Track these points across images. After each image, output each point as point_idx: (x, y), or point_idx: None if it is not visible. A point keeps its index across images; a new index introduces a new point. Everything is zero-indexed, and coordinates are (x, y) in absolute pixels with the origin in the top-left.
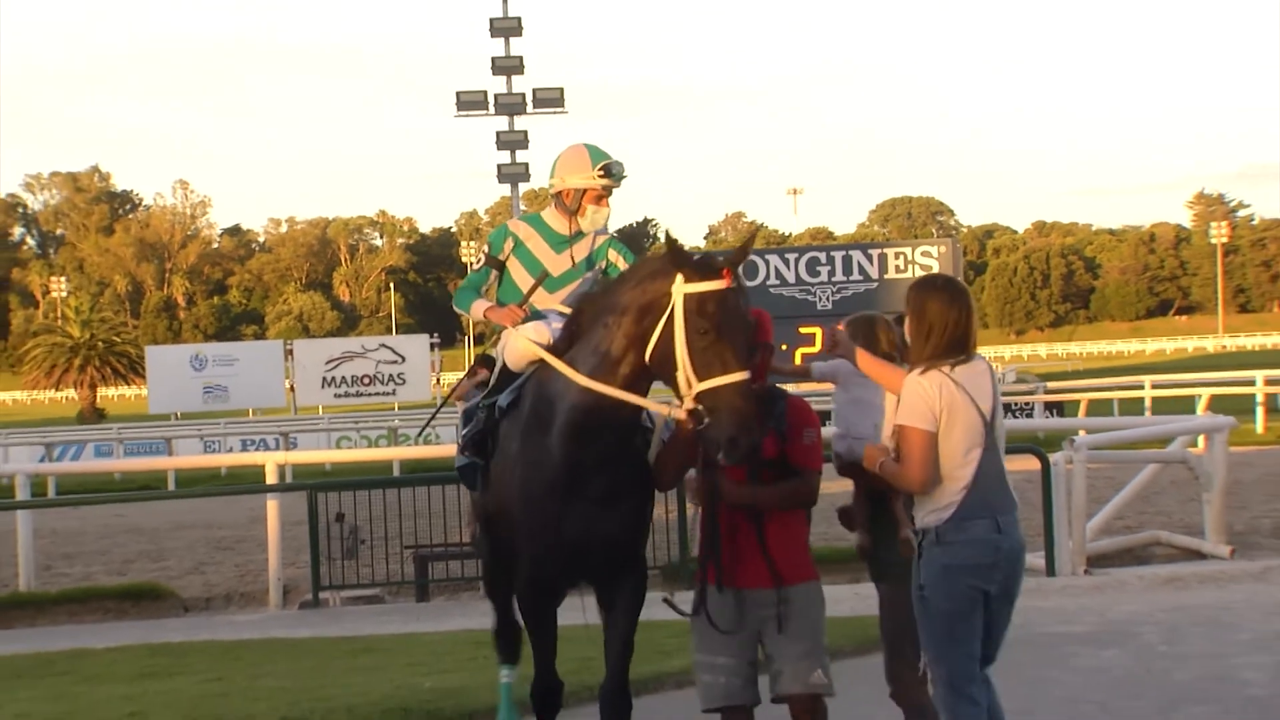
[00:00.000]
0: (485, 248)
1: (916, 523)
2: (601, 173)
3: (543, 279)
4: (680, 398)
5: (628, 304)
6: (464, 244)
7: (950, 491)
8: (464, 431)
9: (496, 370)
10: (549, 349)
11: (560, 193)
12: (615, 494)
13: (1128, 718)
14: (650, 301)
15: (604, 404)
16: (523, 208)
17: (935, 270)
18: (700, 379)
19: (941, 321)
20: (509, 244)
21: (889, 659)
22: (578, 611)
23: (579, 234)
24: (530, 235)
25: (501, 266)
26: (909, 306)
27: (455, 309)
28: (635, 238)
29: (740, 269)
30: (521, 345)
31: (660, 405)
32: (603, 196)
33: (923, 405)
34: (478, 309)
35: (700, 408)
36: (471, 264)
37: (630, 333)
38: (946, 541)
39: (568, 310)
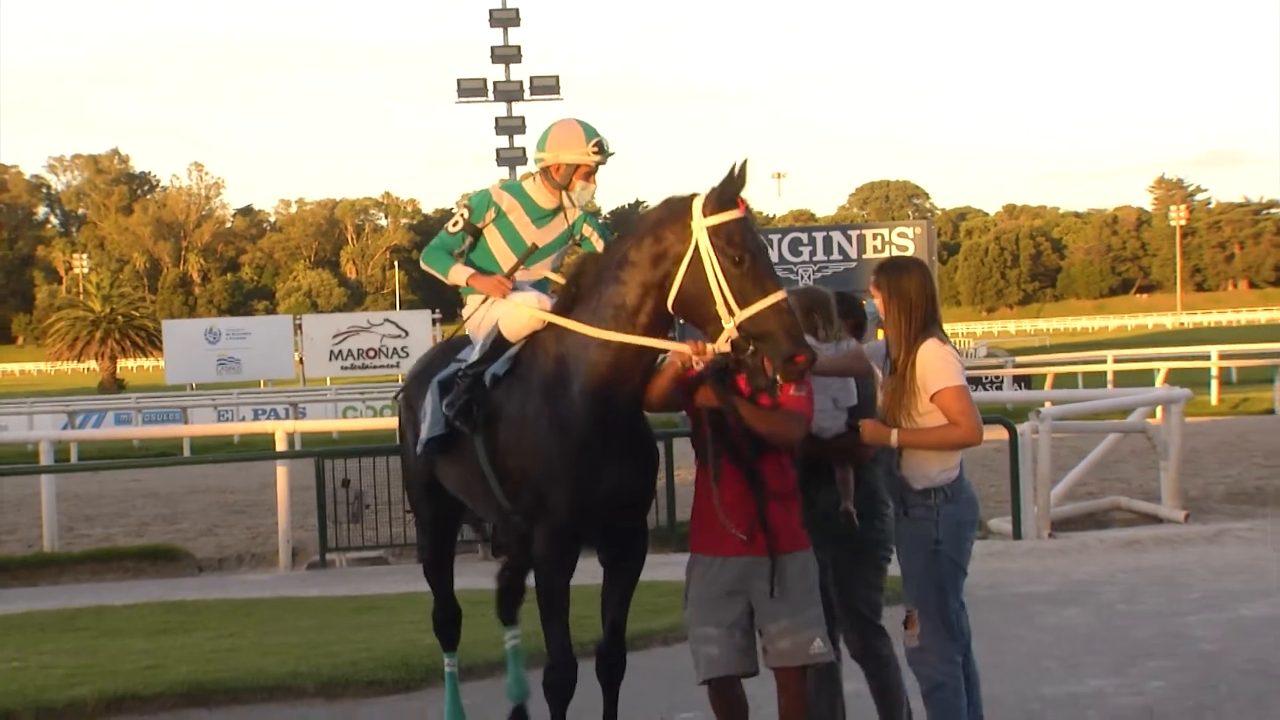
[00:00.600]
0: (465, 212)
1: (922, 484)
2: (595, 149)
3: (529, 254)
4: (711, 337)
5: (639, 255)
6: None
7: (956, 451)
8: (445, 401)
9: (485, 341)
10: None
11: (549, 167)
12: (633, 450)
13: (1088, 672)
14: (666, 247)
15: (624, 357)
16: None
17: (911, 251)
18: (742, 308)
19: (921, 297)
20: (491, 213)
21: (848, 620)
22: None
23: (559, 209)
24: (514, 207)
25: (478, 233)
26: (884, 289)
27: (424, 265)
28: (626, 219)
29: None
30: (524, 314)
31: (682, 346)
32: (592, 172)
33: (957, 366)
34: (459, 274)
35: (741, 338)
36: (448, 225)
37: (646, 280)
38: (957, 499)
39: (552, 275)
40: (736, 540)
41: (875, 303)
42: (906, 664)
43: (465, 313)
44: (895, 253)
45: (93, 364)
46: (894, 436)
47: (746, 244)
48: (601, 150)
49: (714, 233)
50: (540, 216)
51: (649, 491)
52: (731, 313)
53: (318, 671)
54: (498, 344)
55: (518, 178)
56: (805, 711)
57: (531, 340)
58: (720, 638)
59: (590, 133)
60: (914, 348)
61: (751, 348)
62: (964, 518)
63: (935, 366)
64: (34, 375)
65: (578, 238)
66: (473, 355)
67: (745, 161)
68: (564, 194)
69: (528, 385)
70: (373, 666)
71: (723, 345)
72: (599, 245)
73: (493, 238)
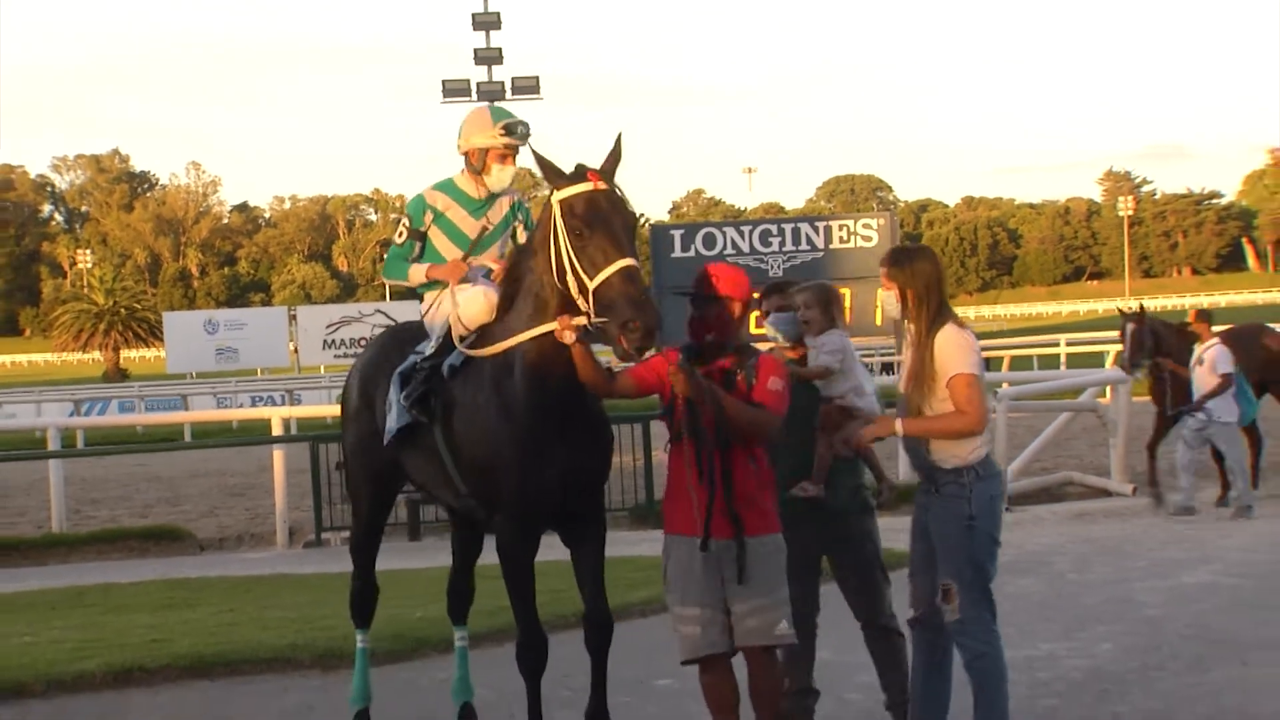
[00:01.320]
0: (406, 220)
1: (954, 463)
2: (502, 131)
3: (474, 246)
4: (585, 312)
5: (537, 241)
6: None
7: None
8: (404, 392)
9: (440, 334)
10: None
11: (467, 154)
12: (584, 434)
13: (1041, 637)
14: (545, 229)
15: (545, 344)
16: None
17: (875, 241)
18: (590, 278)
19: (935, 281)
20: (428, 216)
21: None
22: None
23: (492, 197)
24: (449, 205)
25: (424, 237)
26: (899, 278)
27: (385, 279)
28: None
29: (615, 174)
30: (478, 305)
31: (551, 324)
32: (506, 155)
33: (974, 354)
34: (417, 272)
35: (596, 308)
36: (395, 238)
37: (543, 267)
38: (986, 475)
39: (494, 265)
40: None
41: (890, 296)
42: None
43: (422, 308)
44: (861, 243)
45: (97, 355)
46: (899, 426)
47: (586, 215)
48: (510, 132)
49: (562, 207)
50: (475, 208)
51: (602, 473)
52: (582, 285)
53: (314, 644)
54: (450, 337)
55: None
56: (777, 690)
57: (482, 332)
58: (700, 618)
59: (498, 115)
60: (932, 333)
61: (605, 318)
62: (995, 491)
63: (951, 352)
64: (41, 366)
65: (514, 226)
66: (429, 347)
67: (619, 135)
68: (481, 178)
69: (480, 376)
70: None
71: (580, 319)
72: (523, 234)
73: (437, 238)
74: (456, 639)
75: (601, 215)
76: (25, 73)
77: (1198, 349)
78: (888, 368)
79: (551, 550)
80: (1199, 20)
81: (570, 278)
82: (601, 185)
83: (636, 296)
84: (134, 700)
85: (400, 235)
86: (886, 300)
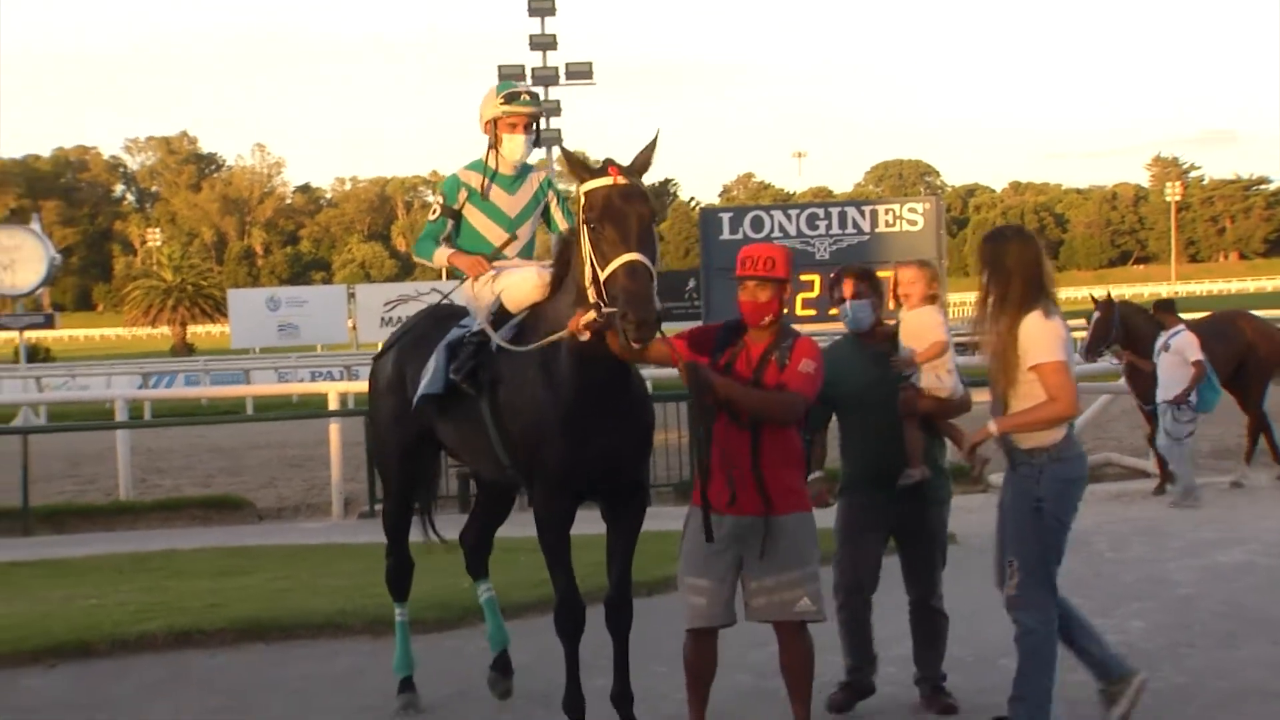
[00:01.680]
0: (440, 198)
1: (1028, 443)
2: (503, 100)
3: (511, 227)
4: (595, 304)
5: (577, 230)
6: None
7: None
8: (453, 365)
9: (491, 309)
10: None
11: (486, 131)
12: (625, 410)
13: None
14: (576, 220)
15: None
16: (557, 169)
17: (920, 226)
18: (601, 270)
19: (1020, 266)
20: (463, 194)
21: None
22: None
23: (522, 172)
24: (487, 184)
25: (457, 215)
26: (985, 254)
27: (415, 255)
28: (656, 195)
29: (643, 171)
30: (530, 284)
31: (563, 333)
32: (514, 124)
33: (1060, 341)
34: (441, 256)
35: (606, 299)
36: (428, 215)
37: (577, 256)
38: (1063, 458)
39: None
40: (737, 498)
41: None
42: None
43: (464, 287)
44: (906, 227)
45: (165, 329)
46: (993, 427)
47: (601, 209)
48: (510, 100)
49: (584, 199)
50: (509, 183)
51: (642, 448)
52: (595, 275)
53: (363, 611)
54: (500, 313)
55: (554, 156)
56: (806, 665)
57: (533, 310)
58: (709, 589)
59: (503, 87)
60: (1017, 319)
61: (613, 309)
62: (1071, 475)
63: (1036, 339)
64: (112, 339)
65: (545, 201)
66: (475, 324)
67: (657, 132)
68: (494, 152)
69: (527, 353)
70: (414, 607)
71: (591, 314)
72: (556, 212)
73: (474, 216)
74: (481, 593)
75: (614, 210)
76: (101, 58)
77: (1162, 336)
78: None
79: (599, 524)
80: (1252, 6)
81: (587, 268)
82: (621, 180)
83: (635, 291)
84: (192, 661)
85: (434, 213)
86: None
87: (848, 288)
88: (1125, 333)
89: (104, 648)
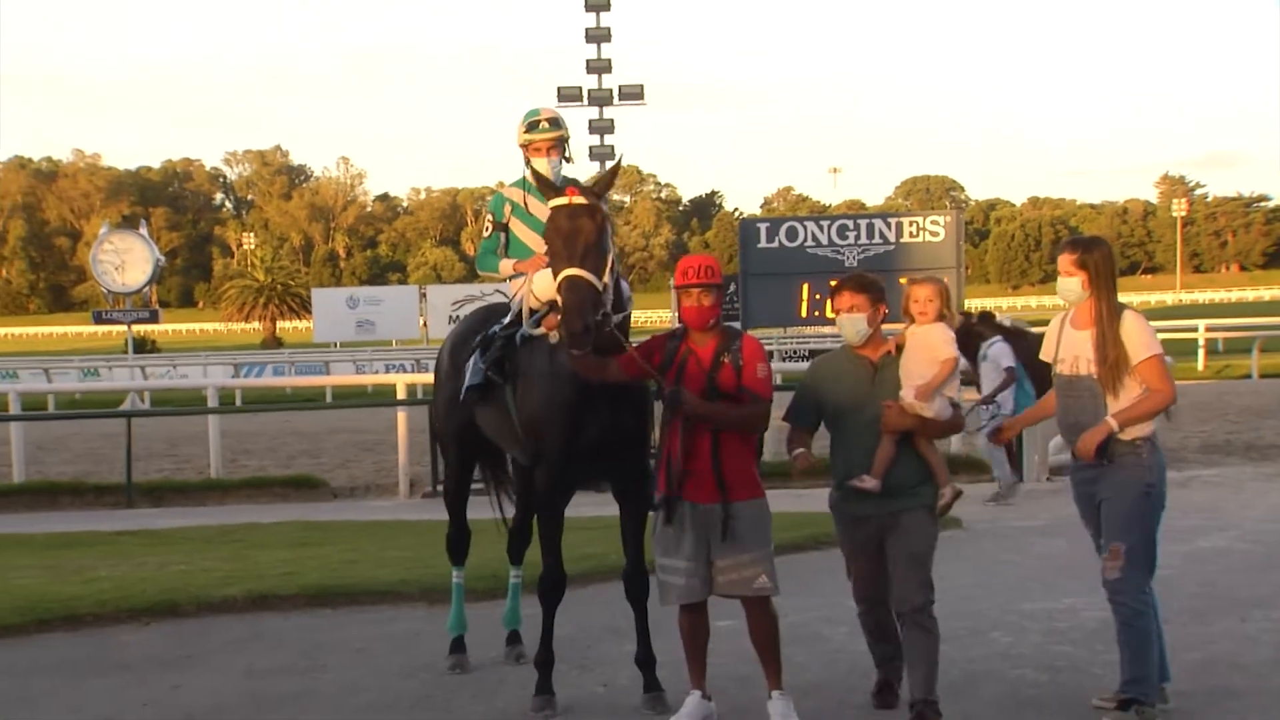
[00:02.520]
0: (489, 216)
1: (1131, 435)
2: (525, 129)
3: None
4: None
5: None
6: None
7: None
8: (487, 357)
9: (517, 308)
10: None
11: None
12: (621, 400)
13: (1064, 593)
14: None
15: None
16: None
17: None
18: (555, 280)
19: (1114, 268)
20: (508, 208)
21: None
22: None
23: (565, 182)
24: (526, 198)
25: (506, 228)
26: (1089, 263)
27: (480, 271)
28: (703, 206)
29: (601, 193)
30: (548, 282)
31: (543, 329)
32: (540, 149)
33: (1155, 335)
34: (506, 267)
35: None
36: (483, 230)
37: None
38: (1158, 445)
39: None
40: (697, 487)
41: (1073, 282)
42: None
43: (510, 288)
44: (929, 238)
45: (257, 324)
46: (1113, 423)
47: (553, 225)
48: (530, 129)
49: (548, 216)
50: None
51: (638, 436)
52: (557, 285)
53: (421, 580)
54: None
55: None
56: (769, 633)
57: (553, 305)
58: (684, 570)
59: (526, 117)
60: (1118, 317)
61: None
62: (1164, 461)
63: (1140, 335)
64: (210, 333)
65: None
66: (507, 319)
67: (619, 159)
68: (527, 171)
69: (541, 345)
70: (468, 576)
71: (545, 327)
72: None
73: (520, 230)
74: (512, 576)
75: (563, 227)
76: (206, 77)
77: (982, 346)
78: None
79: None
80: (1256, 35)
81: (552, 277)
82: (576, 200)
83: (568, 304)
84: (268, 622)
85: (486, 230)
86: (1068, 286)
87: (844, 300)
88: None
89: (191, 608)
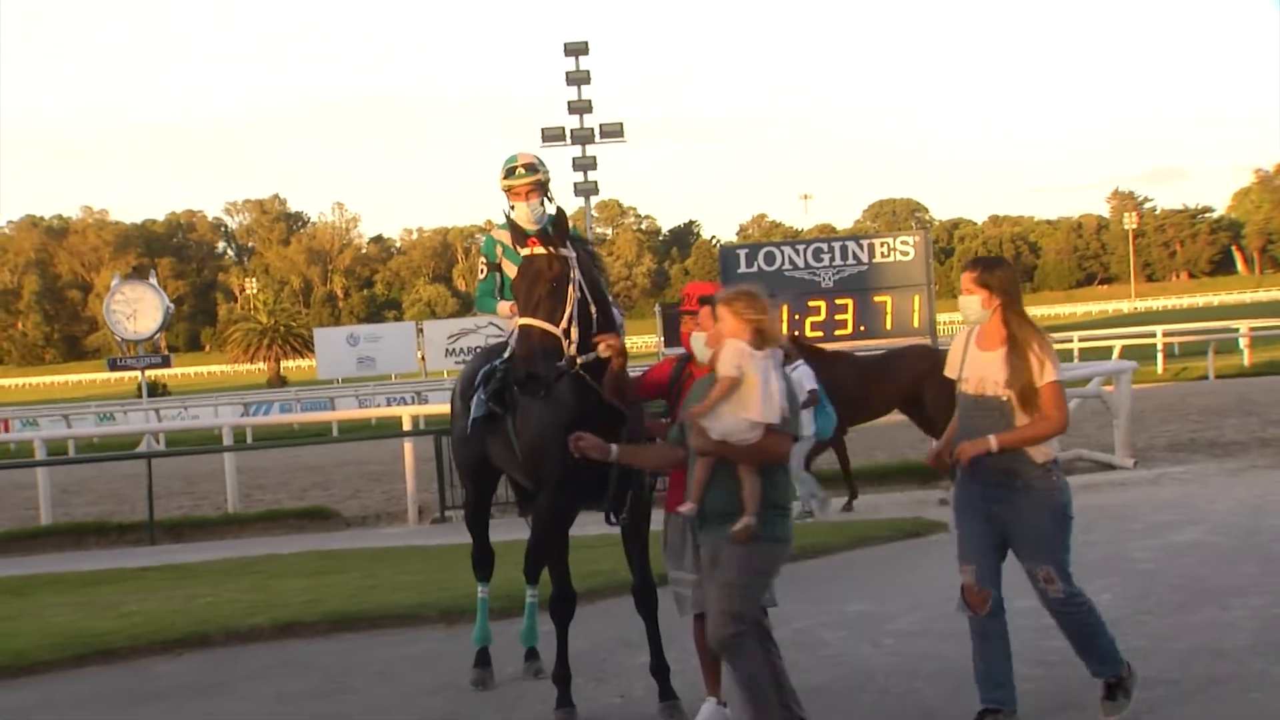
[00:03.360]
0: (483, 259)
1: (1043, 459)
2: (504, 175)
3: None
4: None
5: None
6: None
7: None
8: (488, 390)
9: (514, 345)
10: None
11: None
12: (615, 425)
13: None
14: None
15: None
16: (594, 215)
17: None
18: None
19: (1017, 288)
20: (499, 249)
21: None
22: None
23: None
24: (513, 239)
25: (499, 269)
26: (991, 282)
27: (479, 312)
28: (682, 235)
29: (559, 242)
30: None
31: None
32: (519, 194)
33: (1057, 360)
34: (504, 308)
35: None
36: (478, 275)
37: None
38: (1061, 466)
39: None
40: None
41: (972, 300)
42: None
43: (507, 326)
44: (899, 258)
45: (261, 365)
46: (994, 443)
47: (517, 275)
48: (507, 175)
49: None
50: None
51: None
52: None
53: (438, 603)
54: None
55: (592, 205)
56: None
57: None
58: (693, 582)
59: (505, 164)
60: (1026, 338)
61: None
62: (1066, 482)
63: (1051, 358)
64: (218, 375)
65: None
66: (505, 354)
67: (559, 210)
68: (508, 214)
69: None
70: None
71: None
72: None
73: (510, 269)
74: (528, 596)
75: (521, 276)
76: (204, 132)
77: (786, 369)
78: None
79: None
80: (1198, 55)
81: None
82: (536, 250)
83: (520, 354)
84: (294, 648)
85: (481, 272)
86: (968, 305)
87: (704, 316)
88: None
89: (220, 638)
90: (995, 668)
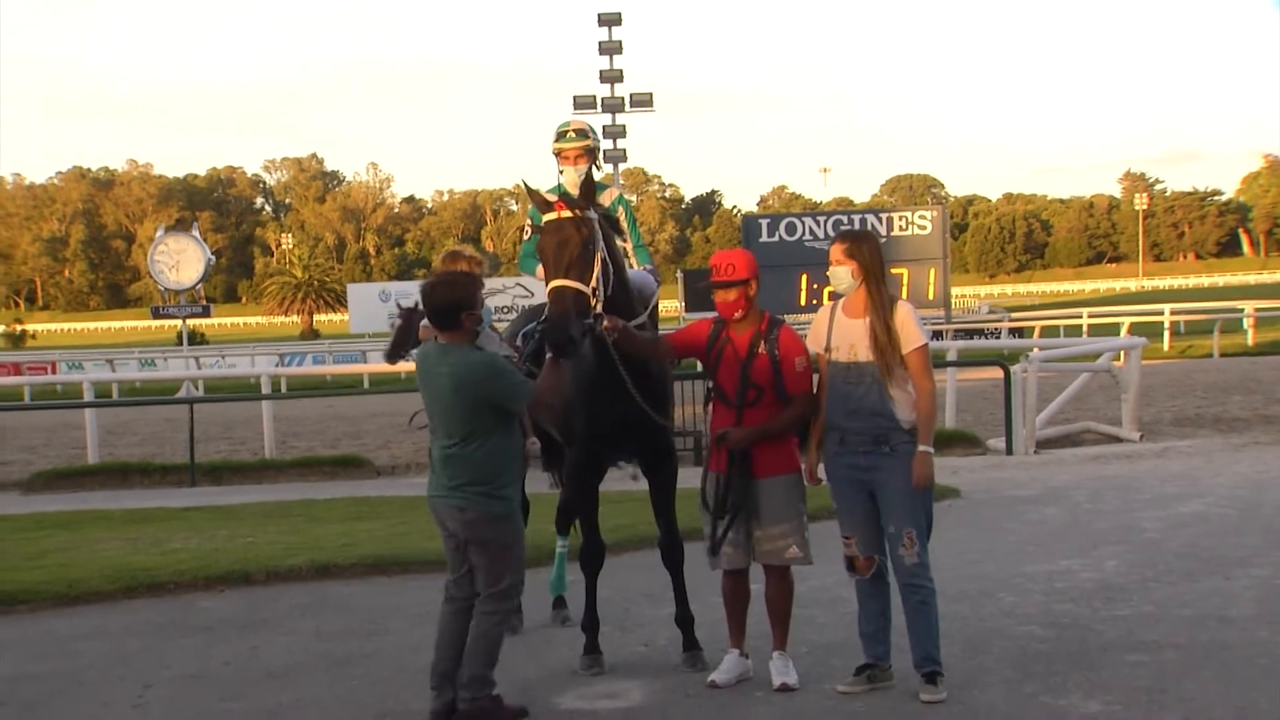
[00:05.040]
0: (529, 221)
1: (909, 424)
2: (555, 138)
3: None
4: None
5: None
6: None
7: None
8: (527, 350)
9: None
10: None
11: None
12: (642, 384)
13: (1059, 555)
14: None
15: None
16: (622, 182)
17: (928, 230)
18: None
19: (882, 262)
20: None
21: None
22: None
23: (600, 188)
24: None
25: None
26: (859, 255)
27: (521, 272)
28: (704, 204)
29: (585, 205)
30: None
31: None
32: (568, 157)
33: (923, 328)
34: (541, 269)
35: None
36: (524, 237)
37: None
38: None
39: None
40: (724, 462)
41: (842, 270)
42: (904, 580)
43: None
44: (917, 231)
45: (296, 318)
46: (929, 450)
47: (542, 239)
48: (558, 138)
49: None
50: None
51: (654, 420)
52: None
53: None
54: None
55: (619, 171)
56: (784, 597)
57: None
58: (730, 539)
59: (558, 126)
60: (893, 307)
61: None
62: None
63: (910, 327)
64: (254, 326)
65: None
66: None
67: (587, 174)
68: (561, 179)
69: None
70: None
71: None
72: (623, 225)
73: None
74: (558, 546)
75: (546, 240)
76: (247, 91)
77: None
78: (938, 334)
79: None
80: (1214, 44)
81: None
82: (563, 214)
83: (551, 315)
84: (330, 589)
85: (527, 233)
86: (835, 275)
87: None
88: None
89: (261, 577)
90: (879, 627)
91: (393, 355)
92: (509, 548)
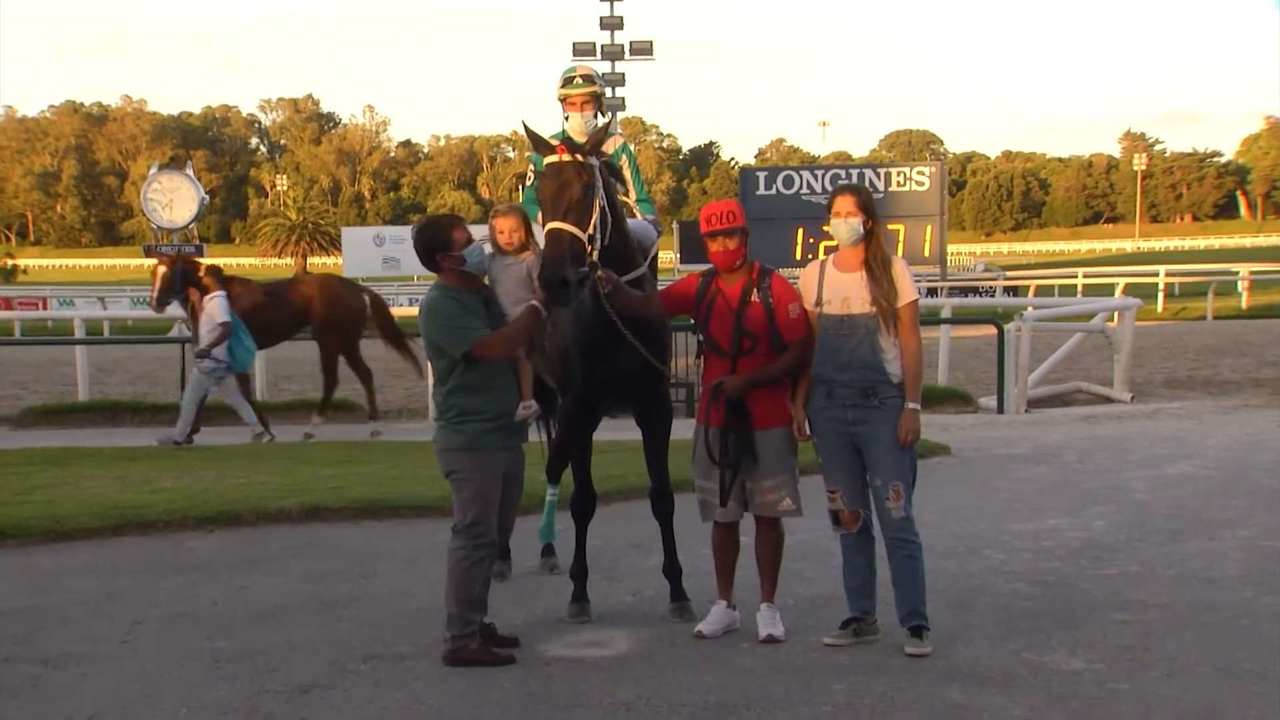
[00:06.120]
0: (532, 166)
1: (897, 378)
2: (562, 84)
3: None
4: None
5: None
6: None
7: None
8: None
9: None
10: None
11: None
12: (639, 335)
13: (1048, 514)
14: None
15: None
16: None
17: (926, 186)
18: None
19: (878, 217)
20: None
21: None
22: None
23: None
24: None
25: None
26: (870, 209)
27: None
28: (701, 155)
29: (591, 150)
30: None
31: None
32: (574, 103)
33: (914, 283)
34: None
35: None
36: (526, 182)
37: None
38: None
39: None
40: (721, 415)
41: (854, 222)
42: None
43: None
44: (914, 188)
45: (289, 260)
46: (916, 406)
47: (541, 181)
48: (565, 84)
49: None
50: None
51: (651, 371)
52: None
53: None
54: None
55: (618, 119)
56: (773, 549)
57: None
58: (717, 491)
59: (564, 73)
60: (888, 263)
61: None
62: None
63: (906, 281)
64: (247, 268)
65: (618, 165)
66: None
67: (609, 121)
68: (565, 125)
69: None
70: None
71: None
72: (626, 174)
73: None
74: (549, 494)
75: (545, 181)
76: (243, 29)
77: (204, 300)
78: (933, 291)
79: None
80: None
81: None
82: (563, 157)
83: (545, 256)
84: (320, 531)
85: (529, 180)
86: (845, 227)
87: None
88: (189, 285)
89: (250, 518)
90: (865, 581)
91: (160, 304)
92: (468, 482)
